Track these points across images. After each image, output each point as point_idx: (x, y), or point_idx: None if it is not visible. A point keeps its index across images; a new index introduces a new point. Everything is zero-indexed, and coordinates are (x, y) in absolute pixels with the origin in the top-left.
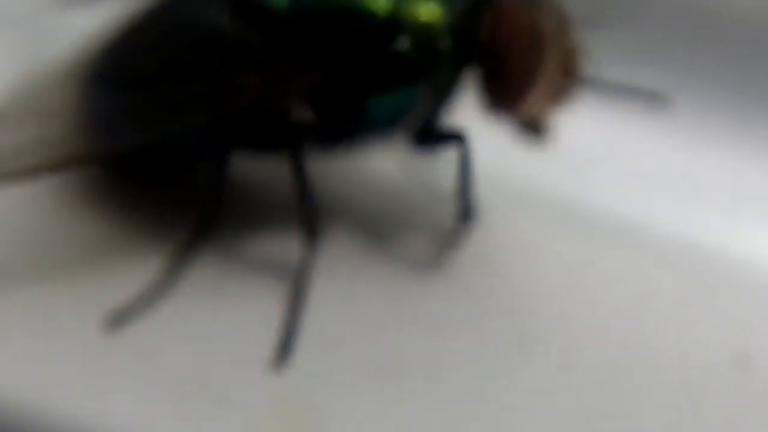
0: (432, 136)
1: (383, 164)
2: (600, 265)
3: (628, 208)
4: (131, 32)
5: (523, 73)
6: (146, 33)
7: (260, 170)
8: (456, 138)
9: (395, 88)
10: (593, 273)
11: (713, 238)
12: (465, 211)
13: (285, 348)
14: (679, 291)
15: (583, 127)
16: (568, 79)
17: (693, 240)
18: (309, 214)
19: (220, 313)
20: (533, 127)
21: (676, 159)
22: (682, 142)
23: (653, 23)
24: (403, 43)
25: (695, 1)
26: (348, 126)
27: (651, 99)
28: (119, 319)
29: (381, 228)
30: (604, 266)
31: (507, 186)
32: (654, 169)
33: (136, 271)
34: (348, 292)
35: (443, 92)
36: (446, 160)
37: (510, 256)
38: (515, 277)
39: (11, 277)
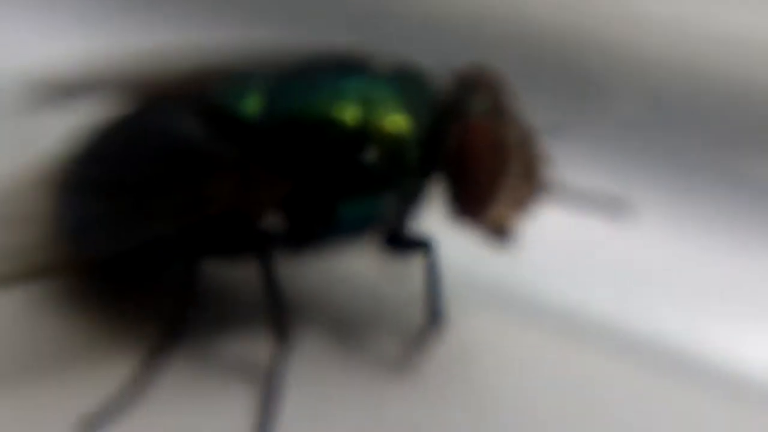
0: (399, 242)
1: (355, 263)
2: (572, 366)
3: (599, 305)
4: (105, 138)
5: (487, 184)
6: (120, 139)
7: (231, 271)
8: (422, 245)
9: (364, 196)
10: (565, 374)
11: (683, 335)
12: (433, 316)
13: None
14: (653, 392)
15: (551, 224)
16: (531, 187)
17: (664, 337)
18: (279, 321)
19: (191, 422)
20: (499, 232)
21: (644, 255)
22: (648, 237)
23: (614, 128)
24: (372, 153)
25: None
26: (317, 231)
27: (613, 204)
28: (93, 422)
29: (352, 329)
30: (576, 366)
31: (477, 285)
32: (622, 266)
33: (108, 377)
34: (318, 395)
35: (410, 200)
36: (418, 260)
37: (481, 357)
38: (485, 379)
39: None
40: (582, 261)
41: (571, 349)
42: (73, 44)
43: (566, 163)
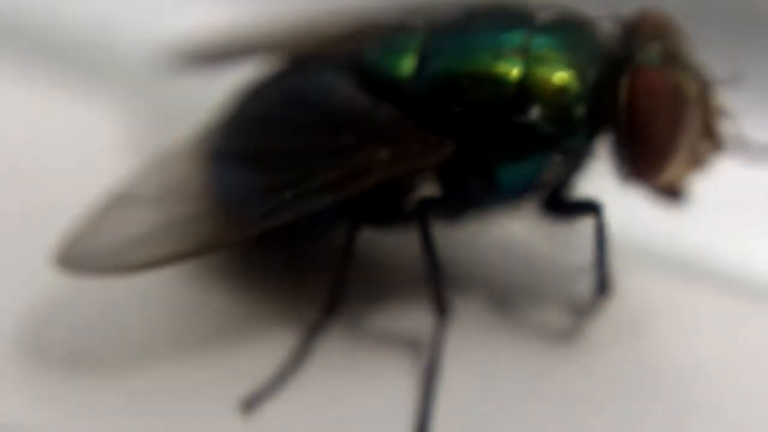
0: (564, 205)
1: (517, 228)
2: (747, 324)
3: None
4: (257, 102)
5: (663, 143)
6: (272, 104)
7: (388, 241)
8: (590, 208)
9: (526, 159)
10: (741, 334)
11: None
12: (600, 284)
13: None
14: None
15: (726, 179)
16: (710, 143)
17: None
18: (439, 290)
19: (352, 393)
20: (671, 192)
21: None
22: None
23: None
24: (535, 112)
25: None
26: (477, 197)
27: None
28: (254, 400)
29: (514, 298)
30: (752, 325)
31: (644, 247)
32: None
33: (269, 351)
34: (482, 367)
35: (576, 161)
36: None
37: (651, 322)
38: (658, 346)
39: (147, 358)
40: (751, 216)
41: (745, 310)
42: (214, 13)
43: (745, 114)
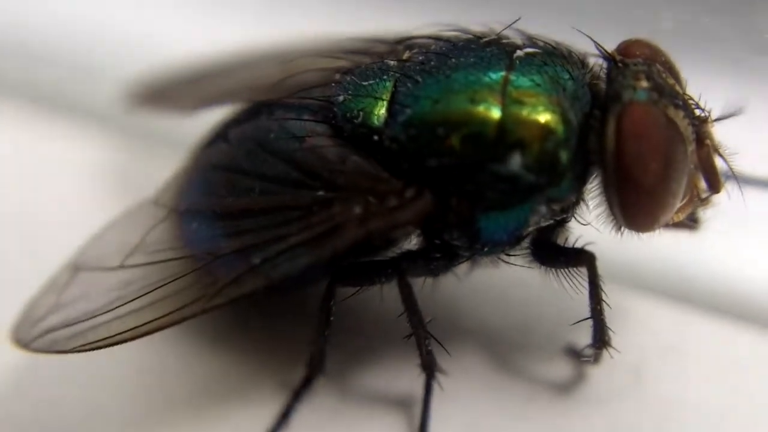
0: (555, 254)
1: (508, 276)
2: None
3: None
4: (219, 156)
5: (657, 190)
6: (236, 156)
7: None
8: (582, 257)
9: (509, 208)
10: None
11: None
12: (597, 334)
13: None
14: None
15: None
16: (709, 183)
17: None
18: (423, 347)
19: None
20: (677, 225)
21: None
22: None
23: None
24: (516, 161)
25: None
26: (459, 248)
27: None
28: None
29: (509, 349)
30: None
31: (642, 274)
32: None
33: (252, 412)
34: (479, 423)
35: (564, 208)
36: None
37: (654, 366)
38: (662, 391)
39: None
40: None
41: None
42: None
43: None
